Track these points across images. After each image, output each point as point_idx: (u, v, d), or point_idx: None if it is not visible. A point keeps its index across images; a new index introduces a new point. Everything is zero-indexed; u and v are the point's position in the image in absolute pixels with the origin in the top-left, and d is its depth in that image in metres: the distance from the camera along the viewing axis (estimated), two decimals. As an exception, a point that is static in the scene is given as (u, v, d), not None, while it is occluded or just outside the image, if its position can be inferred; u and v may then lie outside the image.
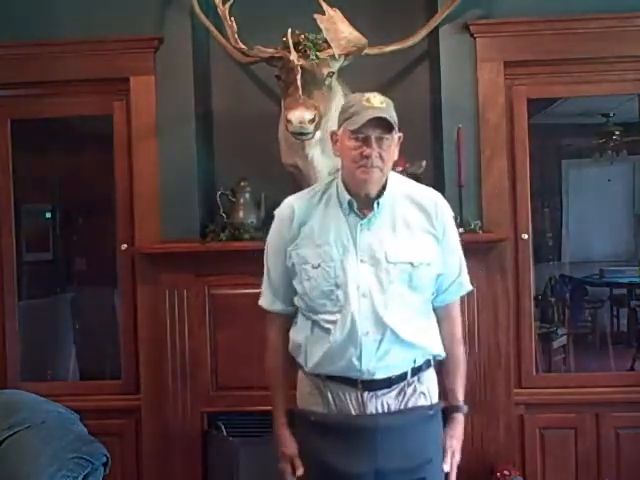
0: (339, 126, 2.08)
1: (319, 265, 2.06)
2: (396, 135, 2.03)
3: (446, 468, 2.13)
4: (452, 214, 2.19)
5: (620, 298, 5.03)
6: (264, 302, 2.26)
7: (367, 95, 2.02)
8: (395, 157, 2.08)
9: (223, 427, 3.23)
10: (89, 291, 4.06)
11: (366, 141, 1.99)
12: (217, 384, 3.23)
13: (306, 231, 2.11)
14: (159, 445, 3.28)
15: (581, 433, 3.27)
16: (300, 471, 2.14)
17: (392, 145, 2.03)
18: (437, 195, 2.18)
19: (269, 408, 3.13)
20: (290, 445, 2.18)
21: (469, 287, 2.25)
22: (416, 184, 2.22)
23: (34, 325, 3.74)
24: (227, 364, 3.20)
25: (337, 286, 2.04)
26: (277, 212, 2.20)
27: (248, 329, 3.15)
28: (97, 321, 4.01)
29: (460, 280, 2.20)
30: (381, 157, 2.00)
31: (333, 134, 2.12)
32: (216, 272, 3.20)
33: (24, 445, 2.64)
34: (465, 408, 2.22)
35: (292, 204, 2.16)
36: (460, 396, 2.21)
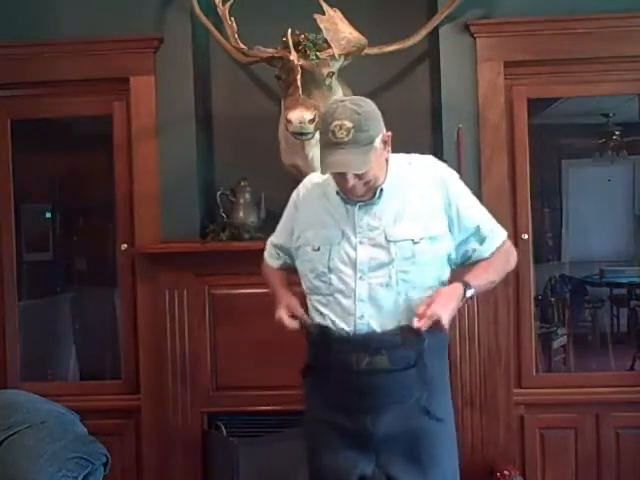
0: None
1: (319, 248, 2.09)
2: (375, 144, 1.98)
3: (415, 323, 1.96)
4: (454, 175, 2.16)
5: (620, 298, 5.03)
6: (266, 254, 2.39)
7: (336, 121, 1.94)
8: (385, 155, 2.05)
9: (223, 427, 3.23)
10: (89, 291, 4.06)
11: (343, 176, 1.99)
12: (217, 384, 3.23)
13: (309, 213, 2.17)
14: (159, 445, 3.28)
15: (581, 433, 3.27)
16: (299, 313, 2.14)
17: (372, 160, 1.98)
18: (436, 164, 2.16)
19: (269, 408, 3.14)
20: (287, 296, 2.20)
21: (503, 233, 2.20)
22: (414, 158, 2.16)
23: (34, 325, 3.73)
24: (227, 364, 3.20)
25: (329, 269, 2.06)
26: (300, 185, 2.29)
27: (248, 329, 3.16)
28: (97, 321, 4.01)
29: (488, 235, 2.15)
30: (365, 182, 2.01)
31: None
32: (216, 272, 3.20)
33: (24, 445, 2.64)
34: (471, 289, 2.06)
35: (306, 183, 2.26)
36: (472, 278, 2.09)
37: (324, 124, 1.99)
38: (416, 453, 2.06)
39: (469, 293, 2.06)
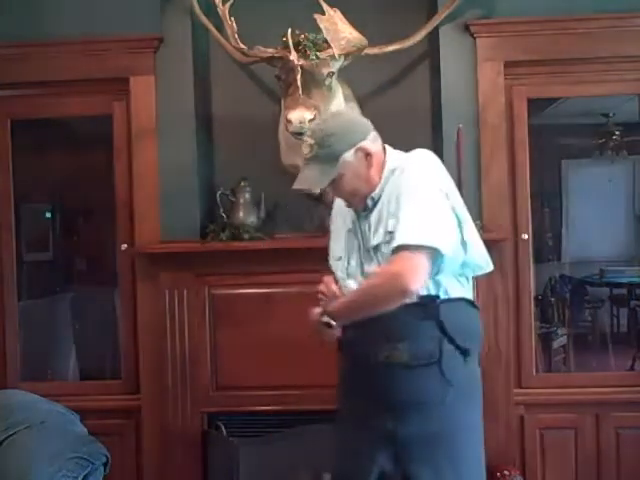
0: None
1: (340, 258, 2.17)
2: (344, 159, 2.00)
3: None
4: (416, 169, 2.02)
5: (620, 298, 5.03)
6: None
7: (305, 138, 2.07)
8: (367, 167, 2.04)
9: (223, 427, 3.23)
10: (89, 291, 4.05)
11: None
12: (217, 384, 3.23)
13: (336, 225, 2.25)
14: (159, 445, 3.28)
15: (581, 433, 3.27)
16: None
17: (342, 174, 2.02)
18: (407, 168, 2.04)
19: (269, 408, 3.14)
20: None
21: (401, 241, 1.91)
22: (401, 162, 2.09)
23: (34, 325, 3.73)
24: (227, 364, 3.20)
25: (348, 275, 2.14)
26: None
27: (248, 329, 3.16)
28: (97, 321, 4.01)
29: (395, 236, 1.96)
30: (350, 194, 2.07)
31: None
32: (216, 272, 3.20)
33: (24, 445, 2.65)
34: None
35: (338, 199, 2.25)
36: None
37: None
38: (437, 458, 2.04)
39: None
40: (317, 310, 2.09)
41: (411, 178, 2.01)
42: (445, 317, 2.02)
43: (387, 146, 2.13)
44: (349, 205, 2.15)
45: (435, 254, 1.93)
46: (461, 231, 2.04)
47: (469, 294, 2.16)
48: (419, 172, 2.02)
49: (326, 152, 2.00)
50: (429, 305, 2.01)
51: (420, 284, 1.93)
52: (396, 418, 2.04)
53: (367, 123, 2.11)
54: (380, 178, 2.07)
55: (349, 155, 2.01)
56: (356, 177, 2.04)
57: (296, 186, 2.07)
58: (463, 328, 2.07)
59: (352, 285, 2.10)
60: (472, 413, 2.13)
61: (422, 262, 1.91)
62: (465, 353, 2.06)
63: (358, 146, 2.02)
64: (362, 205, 2.10)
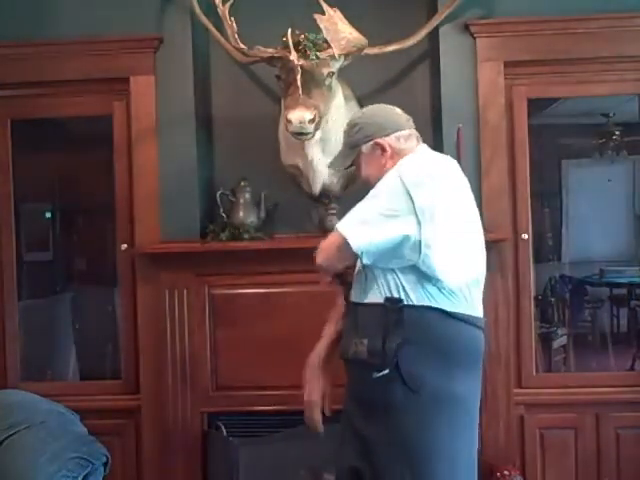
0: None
1: None
2: (362, 149, 2.22)
3: None
4: (394, 171, 2.11)
5: (620, 298, 5.01)
6: None
7: (352, 119, 2.31)
8: (382, 160, 2.19)
9: (223, 427, 3.23)
10: (89, 291, 4.05)
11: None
12: (217, 384, 3.23)
13: None
14: (159, 445, 3.28)
15: (581, 433, 3.27)
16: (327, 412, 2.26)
17: (359, 161, 2.24)
18: (400, 168, 2.13)
19: (269, 408, 3.15)
20: (314, 392, 2.26)
21: (341, 227, 2.07)
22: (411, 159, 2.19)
23: (34, 325, 3.73)
24: (227, 364, 3.20)
25: None
26: None
27: (248, 329, 3.16)
28: (97, 321, 4.01)
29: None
30: (364, 181, 2.26)
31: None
32: (216, 272, 3.20)
33: (24, 445, 2.65)
34: None
35: None
36: None
37: None
38: (398, 466, 2.05)
39: None
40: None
41: (386, 176, 2.13)
42: (409, 323, 2.02)
43: (423, 146, 2.25)
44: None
45: (346, 244, 2.04)
46: (420, 233, 2.00)
47: (448, 305, 2.07)
48: (393, 173, 2.12)
49: (349, 140, 2.26)
50: (391, 307, 2.04)
51: (324, 261, 2.12)
52: (365, 417, 2.09)
53: (398, 121, 2.23)
54: (383, 173, 2.18)
55: (365, 147, 2.22)
56: (369, 166, 2.23)
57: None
58: (438, 340, 2.05)
59: None
60: (448, 429, 2.06)
61: (332, 243, 2.10)
62: (444, 366, 2.05)
63: (375, 141, 2.19)
64: None
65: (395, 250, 2.02)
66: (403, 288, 2.06)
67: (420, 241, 2.00)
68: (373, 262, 2.06)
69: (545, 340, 4.05)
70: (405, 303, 2.05)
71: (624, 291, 4.99)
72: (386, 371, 2.00)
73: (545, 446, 3.28)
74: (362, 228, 2.04)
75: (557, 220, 4.72)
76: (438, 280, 2.05)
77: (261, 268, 3.15)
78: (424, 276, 2.04)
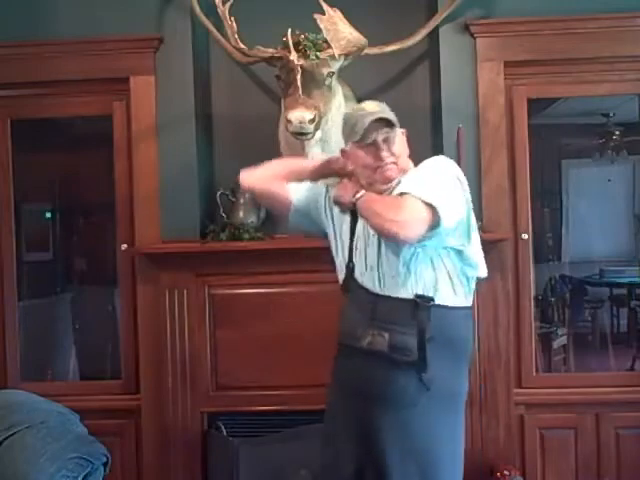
0: (345, 142, 2.16)
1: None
2: (399, 130, 2.11)
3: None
4: (433, 161, 2.13)
5: (620, 298, 5.01)
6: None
7: (361, 105, 2.19)
8: (407, 151, 2.15)
9: (223, 427, 3.23)
10: (89, 291, 4.05)
11: (374, 144, 2.06)
12: (217, 384, 3.23)
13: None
14: (159, 445, 3.28)
15: (581, 433, 3.27)
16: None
17: (398, 139, 2.11)
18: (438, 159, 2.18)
19: (269, 408, 3.14)
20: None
21: (408, 190, 1.99)
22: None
23: (34, 325, 3.73)
24: (227, 364, 3.20)
25: None
26: None
27: (248, 329, 3.16)
28: (97, 321, 4.01)
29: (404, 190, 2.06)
30: (392, 153, 2.09)
31: (343, 152, 2.19)
32: (216, 272, 3.20)
33: (24, 445, 2.64)
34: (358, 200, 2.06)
35: None
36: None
37: (351, 113, 2.19)
38: (406, 462, 2.05)
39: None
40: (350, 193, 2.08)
41: (427, 165, 2.11)
42: (436, 322, 2.03)
43: None
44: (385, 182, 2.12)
45: (435, 219, 1.94)
46: (468, 219, 2.08)
47: (469, 303, 2.15)
48: (435, 162, 2.13)
49: (389, 114, 2.10)
50: (422, 305, 2.03)
51: (416, 237, 1.94)
52: (371, 412, 2.07)
53: None
54: (409, 168, 2.14)
55: (399, 130, 2.12)
56: (402, 147, 2.13)
57: (372, 117, 2.06)
58: (454, 339, 2.09)
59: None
60: (450, 426, 2.12)
61: (419, 217, 1.93)
62: (454, 364, 2.09)
63: (403, 130, 2.14)
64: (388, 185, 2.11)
65: (455, 230, 2.05)
66: (434, 285, 2.06)
67: (470, 223, 2.09)
68: (435, 243, 2.04)
69: (545, 340, 4.05)
70: (437, 303, 2.05)
71: (624, 291, 4.99)
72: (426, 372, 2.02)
73: (545, 446, 3.28)
74: (449, 205, 1.97)
75: (557, 220, 4.72)
76: (473, 269, 2.10)
77: (261, 268, 3.15)
78: (460, 269, 2.09)
